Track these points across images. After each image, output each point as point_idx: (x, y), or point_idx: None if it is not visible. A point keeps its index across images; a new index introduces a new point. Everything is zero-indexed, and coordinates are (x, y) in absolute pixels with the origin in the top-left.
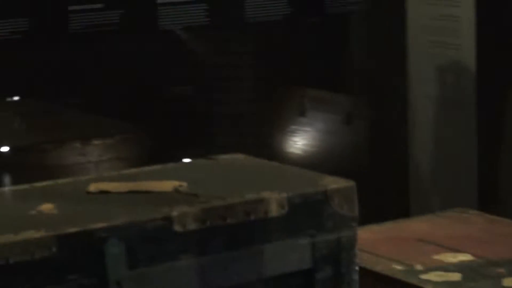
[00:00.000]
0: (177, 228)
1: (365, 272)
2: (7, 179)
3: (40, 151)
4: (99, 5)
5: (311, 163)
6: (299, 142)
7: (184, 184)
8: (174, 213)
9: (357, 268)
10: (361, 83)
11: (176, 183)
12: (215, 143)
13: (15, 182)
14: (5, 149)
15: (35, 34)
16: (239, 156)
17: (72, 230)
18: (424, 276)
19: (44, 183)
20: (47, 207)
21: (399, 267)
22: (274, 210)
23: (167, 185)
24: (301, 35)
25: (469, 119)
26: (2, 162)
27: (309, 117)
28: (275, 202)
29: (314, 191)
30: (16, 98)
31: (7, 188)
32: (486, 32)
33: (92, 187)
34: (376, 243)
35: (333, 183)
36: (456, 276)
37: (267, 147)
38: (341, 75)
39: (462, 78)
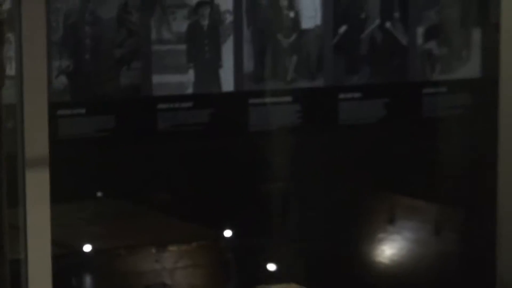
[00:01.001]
0: None
1: None
2: (79, 282)
3: (116, 255)
4: (188, 104)
5: (398, 272)
6: (386, 251)
7: None
8: None
9: None
10: (452, 192)
11: None
12: (302, 248)
13: (90, 285)
14: (86, 250)
15: (122, 132)
16: (291, 287)
17: None
18: None
19: None
20: None
21: None
22: None
23: None
24: (395, 139)
25: None
26: (75, 265)
27: (398, 226)
28: None
29: None
30: (97, 197)
31: None
32: None
33: None
34: None
35: None
36: None
37: (353, 254)
38: (432, 183)
39: None
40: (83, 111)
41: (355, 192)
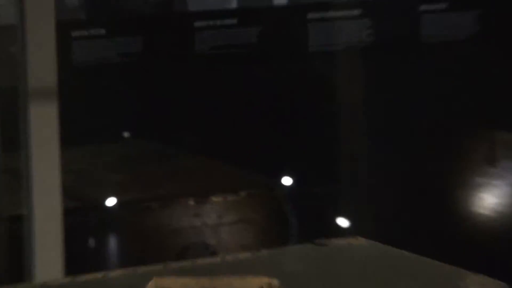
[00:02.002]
0: None
1: None
2: (103, 241)
3: (146, 209)
4: (231, 21)
5: (502, 225)
6: (487, 199)
7: (275, 282)
8: None
9: None
10: None
11: (264, 281)
12: (376, 197)
13: (113, 246)
14: (108, 203)
15: (151, 56)
16: (358, 241)
17: None
18: None
19: (91, 276)
20: None
21: None
22: None
23: (252, 283)
24: (488, 59)
25: None
26: (99, 220)
27: (501, 168)
28: None
29: None
30: (121, 137)
31: (45, 282)
32: None
33: (152, 285)
34: None
35: (477, 284)
36: None
37: (447, 203)
38: None
39: None
40: (103, 31)
41: (443, 125)
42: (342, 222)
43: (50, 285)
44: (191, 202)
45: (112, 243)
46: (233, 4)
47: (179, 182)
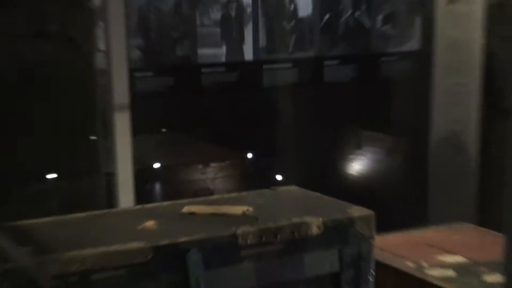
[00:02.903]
0: (241, 242)
1: (386, 267)
2: (151, 188)
3: (174, 169)
4: (222, 69)
5: (362, 180)
6: (355, 166)
7: (250, 208)
8: (239, 231)
9: (373, 271)
10: (400, 126)
11: (244, 208)
12: (301, 166)
13: (159, 190)
14: (155, 165)
15: (178, 87)
16: (293, 188)
17: (165, 242)
18: (428, 271)
19: (153, 205)
20: (150, 223)
21: (410, 264)
22: (313, 230)
23: (238, 209)
24: (367, 93)
25: None
26: (149, 176)
27: (363, 150)
28: (314, 225)
29: (343, 217)
30: (161, 131)
31: (125, 208)
32: None
33: (185, 209)
34: (396, 246)
35: (357, 211)
36: (451, 272)
37: (334, 168)
38: (387, 119)
39: None
40: (151, 73)
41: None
42: (282, 177)
43: (131, 209)
44: (199, 166)
45: (158, 188)
46: (223, 59)
47: (193, 155)
